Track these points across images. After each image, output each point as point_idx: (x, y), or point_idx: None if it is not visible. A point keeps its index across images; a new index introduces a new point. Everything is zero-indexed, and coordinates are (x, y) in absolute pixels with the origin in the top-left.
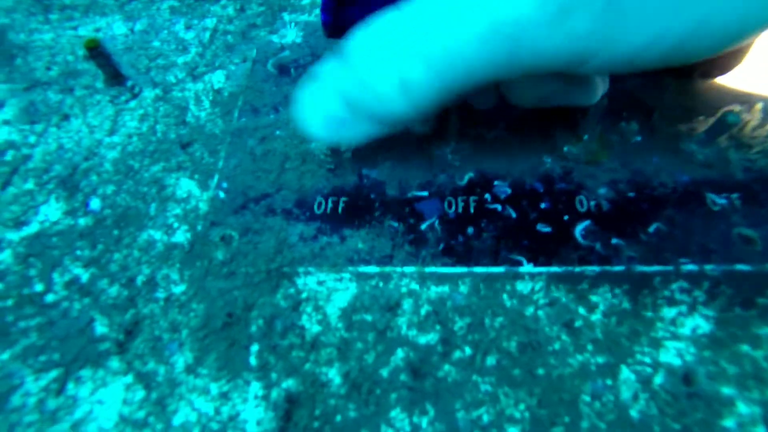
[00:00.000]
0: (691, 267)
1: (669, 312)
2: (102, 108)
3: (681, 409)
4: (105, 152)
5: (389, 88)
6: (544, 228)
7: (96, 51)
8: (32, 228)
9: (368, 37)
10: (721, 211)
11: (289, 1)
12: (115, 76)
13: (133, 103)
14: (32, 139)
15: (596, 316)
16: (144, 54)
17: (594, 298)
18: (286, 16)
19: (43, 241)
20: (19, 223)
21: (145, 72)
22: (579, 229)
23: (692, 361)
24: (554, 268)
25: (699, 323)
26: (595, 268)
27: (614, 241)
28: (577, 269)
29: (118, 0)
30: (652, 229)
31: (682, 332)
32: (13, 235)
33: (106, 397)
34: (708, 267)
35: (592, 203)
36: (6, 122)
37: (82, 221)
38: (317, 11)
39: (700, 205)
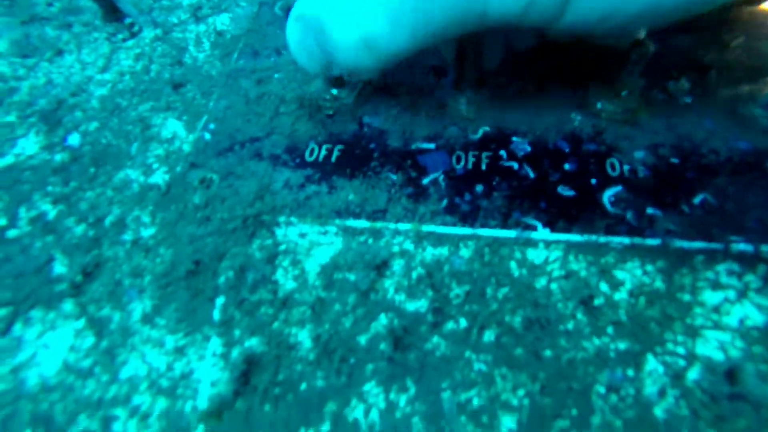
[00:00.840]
0: (743, 247)
1: (712, 297)
2: (98, 45)
3: (720, 414)
4: (94, 89)
5: (352, 44)
6: (566, 191)
7: None
8: (7, 160)
9: None
10: None
11: None
12: (112, 11)
13: (130, 42)
14: (22, 72)
15: (621, 295)
16: None
17: (620, 274)
18: None
19: (15, 174)
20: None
21: (147, 12)
22: (608, 195)
23: (738, 357)
24: (574, 236)
25: (749, 313)
26: (624, 240)
27: (650, 211)
28: (602, 239)
29: None
30: (697, 200)
31: (727, 322)
32: None
33: (52, 342)
34: (765, 248)
35: (626, 167)
36: None
37: (59, 157)
38: None
39: (760, 176)
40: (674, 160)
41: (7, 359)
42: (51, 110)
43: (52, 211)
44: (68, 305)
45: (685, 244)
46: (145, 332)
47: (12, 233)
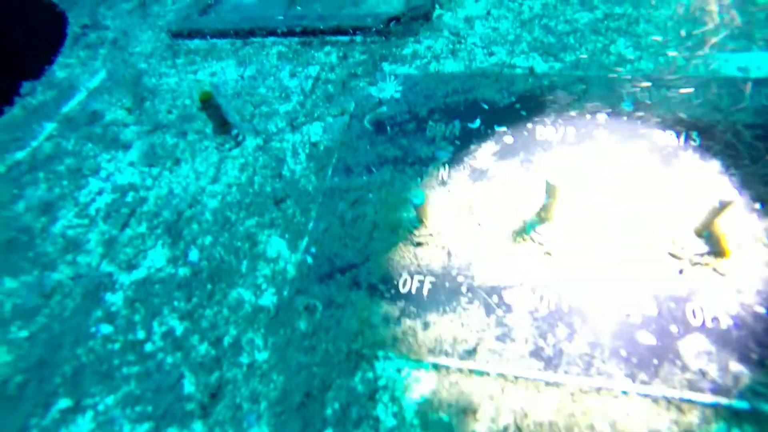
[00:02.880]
0: None
1: None
2: (208, 154)
3: None
4: (207, 201)
5: None
6: (646, 338)
7: (207, 103)
8: (141, 272)
9: None
10: None
11: (390, 51)
12: (222, 125)
13: (235, 151)
14: (149, 182)
15: None
16: (250, 100)
17: None
18: (386, 67)
19: (148, 287)
20: (130, 266)
21: (249, 119)
22: (689, 346)
23: None
24: (655, 390)
25: None
26: (708, 399)
27: (735, 368)
28: (685, 396)
29: (233, 44)
30: None
31: None
32: (125, 278)
33: None
34: None
35: (709, 316)
36: (131, 163)
37: (182, 271)
38: (417, 62)
39: None
40: (763, 311)
41: None
42: (173, 222)
43: (179, 327)
44: (198, 425)
45: None
46: None
47: (148, 347)
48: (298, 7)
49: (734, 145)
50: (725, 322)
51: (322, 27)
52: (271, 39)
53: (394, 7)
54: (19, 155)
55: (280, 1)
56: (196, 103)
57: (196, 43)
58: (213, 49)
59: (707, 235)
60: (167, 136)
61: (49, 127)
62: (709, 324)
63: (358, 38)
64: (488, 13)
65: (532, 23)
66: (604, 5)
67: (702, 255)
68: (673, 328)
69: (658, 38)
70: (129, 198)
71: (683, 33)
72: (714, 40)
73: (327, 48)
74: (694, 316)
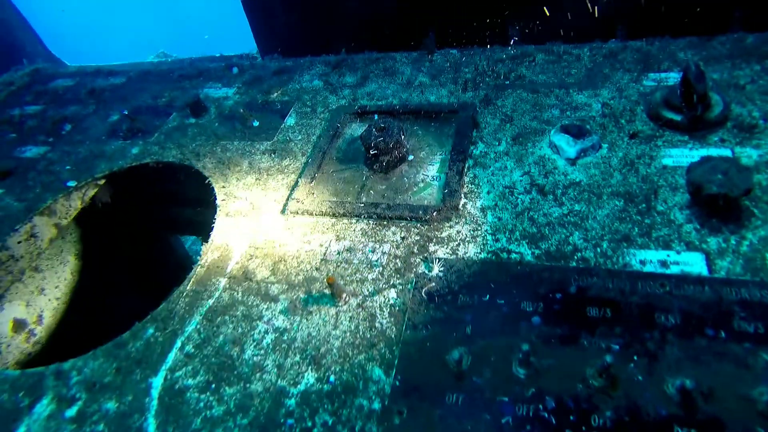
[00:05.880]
0: None
1: None
2: (329, 309)
3: None
4: (333, 341)
5: None
6: None
7: (329, 283)
8: (301, 387)
9: None
10: None
11: (434, 234)
12: (335, 290)
13: (345, 307)
14: (295, 326)
15: None
16: (348, 269)
17: None
18: (431, 247)
19: (307, 397)
20: (295, 383)
21: (350, 283)
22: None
23: None
24: None
25: None
26: None
27: None
28: None
29: (331, 221)
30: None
31: None
32: (294, 390)
33: None
34: None
35: (600, 421)
36: (281, 312)
37: (325, 387)
38: (452, 244)
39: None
40: (626, 418)
41: None
42: (315, 355)
43: (329, 420)
44: None
45: None
46: None
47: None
48: (371, 191)
49: (619, 305)
50: (608, 424)
51: (390, 215)
52: (355, 219)
53: (436, 199)
54: (210, 303)
55: (356, 183)
56: (313, 271)
57: (305, 218)
58: (318, 224)
59: (605, 375)
60: (299, 293)
61: (223, 281)
62: (600, 424)
63: (414, 222)
64: (495, 205)
65: (523, 215)
66: (568, 203)
67: (603, 388)
68: (583, 429)
69: (597, 233)
70: (285, 337)
71: (612, 229)
72: (630, 237)
73: (393, 228)
74: (594, 421)
